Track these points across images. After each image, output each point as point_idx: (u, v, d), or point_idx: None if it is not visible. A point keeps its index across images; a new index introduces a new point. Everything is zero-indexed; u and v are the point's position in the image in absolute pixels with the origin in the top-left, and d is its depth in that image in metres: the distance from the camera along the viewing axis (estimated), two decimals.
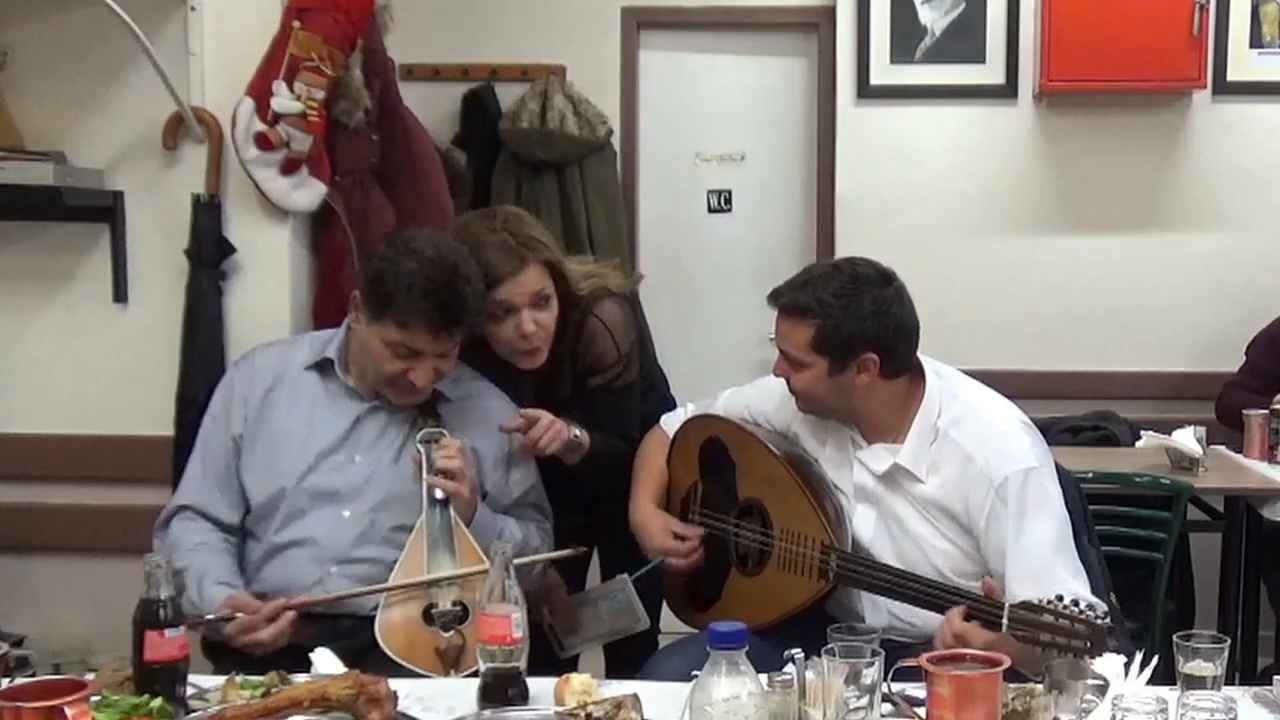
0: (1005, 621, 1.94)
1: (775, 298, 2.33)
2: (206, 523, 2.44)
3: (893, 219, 4.59)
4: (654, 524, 2.57)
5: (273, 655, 2.20)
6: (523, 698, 1.91)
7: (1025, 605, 1.92)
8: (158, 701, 1.76)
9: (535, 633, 2.60)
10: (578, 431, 2.61)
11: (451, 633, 2.26)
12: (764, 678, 1.69)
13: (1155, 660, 1.86)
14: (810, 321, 2.26)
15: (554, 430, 2.55)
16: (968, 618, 2.03)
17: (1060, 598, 1.90)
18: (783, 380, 2.37)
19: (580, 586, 2.89)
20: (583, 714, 1.74)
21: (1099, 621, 1.85)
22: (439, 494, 2.35)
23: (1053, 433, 4.02)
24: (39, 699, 1.55)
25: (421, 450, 2.38)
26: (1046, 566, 2.16)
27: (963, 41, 4.55)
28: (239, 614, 2.24)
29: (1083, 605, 1.88)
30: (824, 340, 2.26)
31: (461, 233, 2.58)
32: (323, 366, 2.50)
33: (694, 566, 2.53)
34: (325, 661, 2.03)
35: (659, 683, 1.99)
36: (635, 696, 1.78)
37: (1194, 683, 1.80)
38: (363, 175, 3.00)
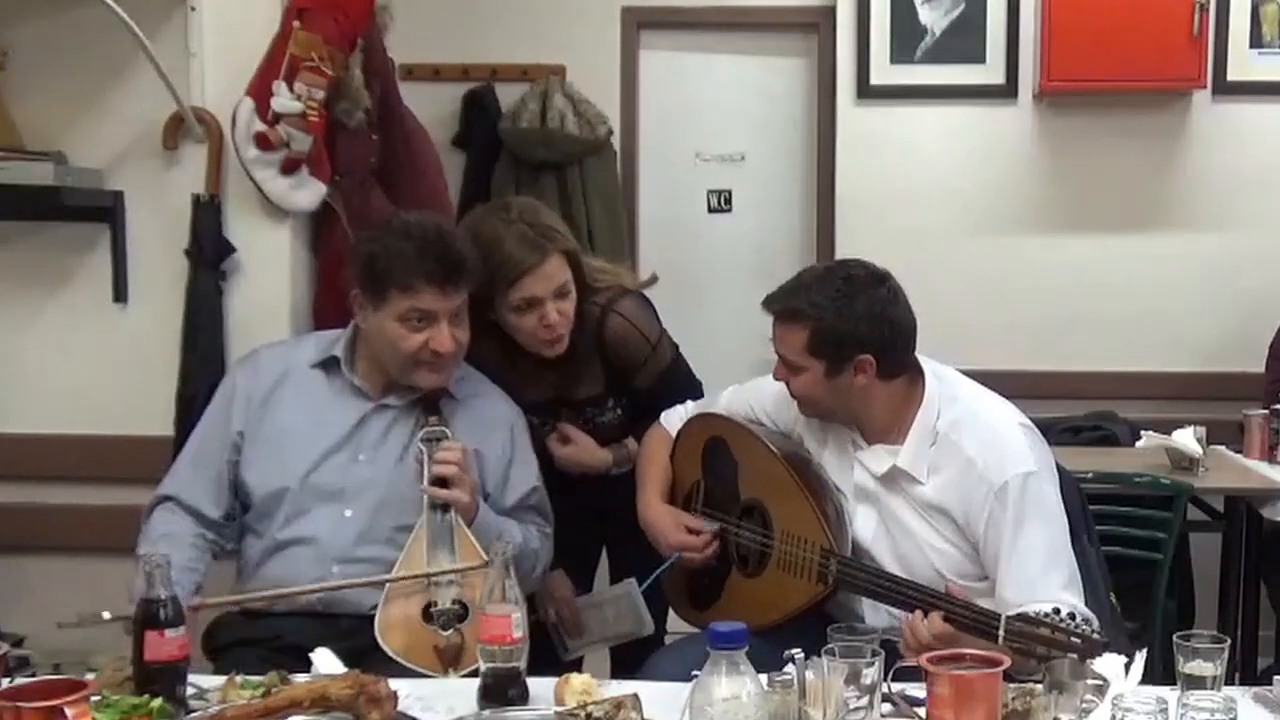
0: (1001, 633, 1.94)
1: (769, 303, 2.33)
2: (187, 515, 2.43)
3: (893, 219, 4.59)
4: (666, 520, 2.56)
5: (273, 655, 2.20)
6: (523, 698, 1.91)
7: (1022, 617, 1.92)
8: (158, 701, 1.75)
9: (539, 633, 2.62)
10: (605, 454, 2.74)
11: (451, 631, 2.26)
12: (764, 678, 1.69)
13: (1146, 654, 1.86)
14: (804, 325, 2.26)
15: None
16: (964, 628, 2.03)
17: (1057, 610, 1.90)
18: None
19: (587, 588, 2.89)
20: (583, 714, 1.74)
21: (1095, 636, 1.84)
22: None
23: (1053, 433, 4.01)
24: (39, 699, 1.55)
25: (423, 449, 2.38)
26: (1040, 574, 2.15)
27: (963, 41, 4.55)
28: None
29: (1079, 619, 1.88)
30: (818, 343, 2.25)
31: (476, 227, 2.57)
32: (328, 365, 2.50)
33: (707, 562, 2.53)
34: (325, 661, 2.03)
35: (659, 683, 1.99)
36: (635, 696, 1.78)
37: (1194, 683, 1.80)
38: (363, 175, 3.00)
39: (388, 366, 2.45)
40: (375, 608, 2.29)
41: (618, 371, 2.74)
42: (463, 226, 2.62)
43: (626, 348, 2.71)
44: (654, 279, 2.98)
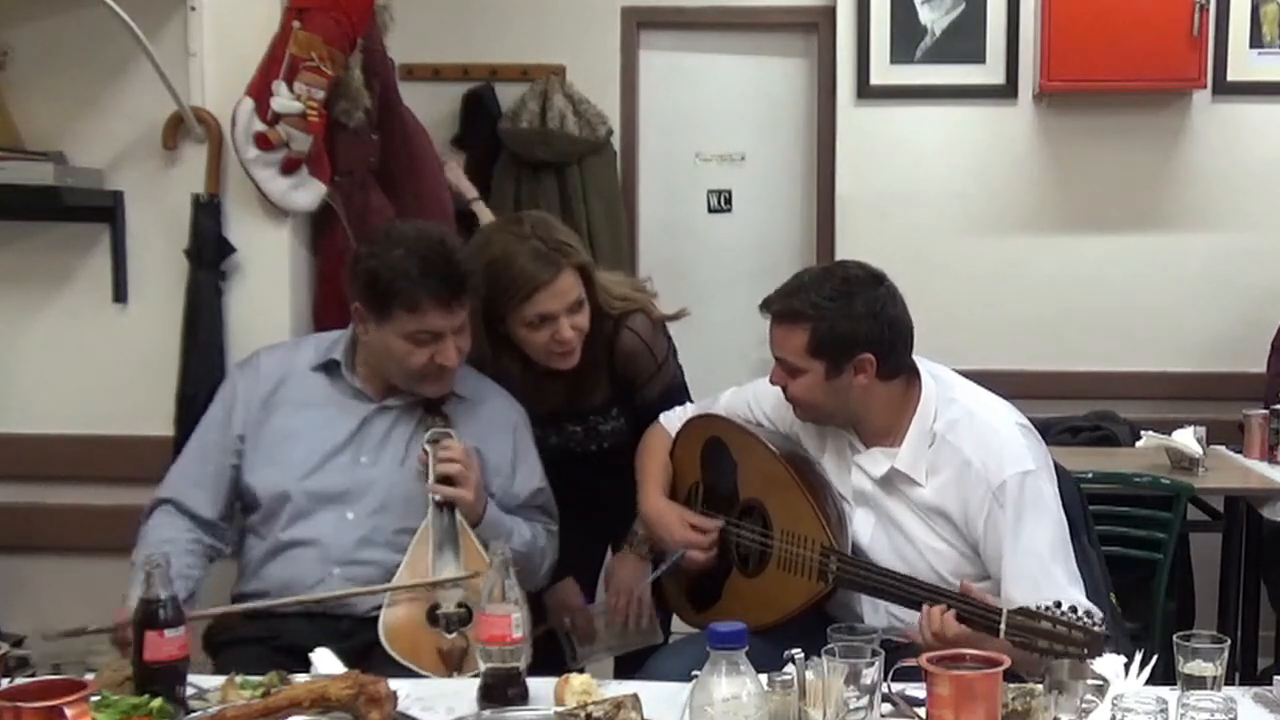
0: (1003, 627, 1.94)
1: (767, 305, 2.33)
2: (184, 519, 2.44)
3: (893, 219, 4.59)
4: (670, 516, 2.56)
5: (273, 655, 2.20)
6: (523, 698, 1.91)
7: (1023, 611, 1.92)
8: (158, 701, 1.76)
9: (551, 640, 2.63)
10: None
11: (455, 634, 2.26)
12: (764, 678, 1.69)
13: (1154, 659, 1.86)
14: (805, 325, 2.26)
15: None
16: (964, 621, 2.03)
17: (1058, 604, 1.90)
18: None
19: (592, 592, 2.89)
20: (583, 714, 1.74)
21: (1096, 629, 1.84)
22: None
23: (1053, 433, 4.02)
24: (39, 699, 1.55)
25: (428, 450, 2.38)
26: (1043, 571, 2.15)
27: (963, 41, 4.55)
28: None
29: (1080, 612, 1.88)
30: (820, 343, 2.25)
31: (489, 244, 2.57)
32: (329, 367, 2.50)
33: (710, 562, 2.53)
34: (325, 661, 2.03)
35: (659, 683, 1.99)
36: (635, 696, 1.78)
37: (1194, 683, 1.80)
38: (363, 175, 2.99)
39: (390, 376, 2.45)
40: (375, 610, 2.29)
41: (623, 384, 2.74)
42: (474, 242, 2.62)
43: (634, 363, 2.72)
44: (685, 313, 2.89)
